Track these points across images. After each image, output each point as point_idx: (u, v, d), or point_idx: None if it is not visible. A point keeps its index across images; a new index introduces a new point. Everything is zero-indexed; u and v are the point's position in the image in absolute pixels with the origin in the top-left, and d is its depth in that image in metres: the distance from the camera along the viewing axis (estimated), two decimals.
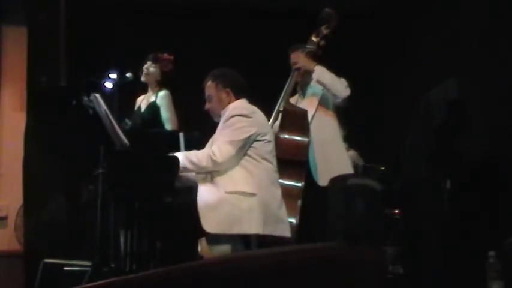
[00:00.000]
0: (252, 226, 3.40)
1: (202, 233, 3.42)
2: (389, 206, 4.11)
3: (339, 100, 4.30)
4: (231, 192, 3.45)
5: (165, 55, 4.93)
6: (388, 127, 5.50)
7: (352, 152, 5.35)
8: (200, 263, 2.02)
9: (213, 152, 3.49)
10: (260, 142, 3.55)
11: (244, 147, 3.51)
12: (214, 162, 3.48)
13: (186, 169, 3.52)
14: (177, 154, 3.55)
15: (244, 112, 3.57)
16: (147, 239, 3.70)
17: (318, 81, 4.30)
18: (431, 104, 4.30)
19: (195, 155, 3.53)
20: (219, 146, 3.50)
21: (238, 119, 3.54)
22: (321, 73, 4.28)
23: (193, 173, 3.63)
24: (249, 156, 3.53)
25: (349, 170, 4.30)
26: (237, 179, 3.49)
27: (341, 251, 1.69)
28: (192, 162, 3.50)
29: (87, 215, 4.78)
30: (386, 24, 5.72)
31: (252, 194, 3.44)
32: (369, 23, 5.76)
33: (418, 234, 4.10)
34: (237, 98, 3.68)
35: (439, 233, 4.00)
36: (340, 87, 4.27)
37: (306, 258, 1.62)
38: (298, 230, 3.79)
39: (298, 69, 4.35)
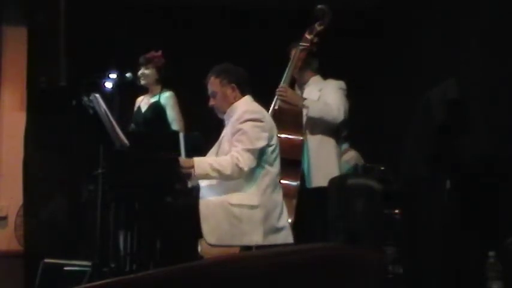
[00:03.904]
0: (253, 238, 3.38)
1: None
2: (389, 206, 4.10)
3: (335, 123, 4.29)
4: (235, 205, 3.41)
5: (152, 53, 4.94)
6: (388, 127, 5.50)
7: (352, 152, 5.35)
8: (200, 263, 2.02)
9: (238, 160, 3.38)
10: (269, 148, 3.50)
11: (259, 155, 3.47)
12: (241, 170, 3.38)
13: (207, 176, 3.44)
14: (196, 159, 3.46)
15: (257, 116, 3.49)
16: (147, 239, 3.70)
17: (310, 118, 4.26)
18: (431, 104, 4.30)
19: (218, 163, 3.41)
20: (240, 154, 3.40)
21: (252, 124, 3.46)
22: (310, 108, 4.25)
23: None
24: (257, 163, 3.46)
25: (336, 172, 4.30)
26: (243, 190, 3.45)
27: (341, 251, 1.69)
28: (215, 170, 3.39)
29: (87, 215, 4.79)
30: (387, 24, 5.72)
31: (255, 206, 3.42)
32: (369, 23, 5.76)
33: (418, 234, 4.10)
34: (242, 94, 3.64)
35: (439, 233, 4.00)
36: (333, 115, 4.24)
37: (306, 258, 1.62)
38: (293, 229, 3.78)
39: (284, 101, 4.31)
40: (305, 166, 4.26)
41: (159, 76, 4.94)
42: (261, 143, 3.46)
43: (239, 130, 3.46)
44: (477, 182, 3.87)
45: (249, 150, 3.41)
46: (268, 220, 3.44)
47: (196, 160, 3.45)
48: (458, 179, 3.96)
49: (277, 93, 4.31)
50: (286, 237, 3.51)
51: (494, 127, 4.05)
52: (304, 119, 4.28)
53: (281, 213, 3.52)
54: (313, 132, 4.32)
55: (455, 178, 3.96)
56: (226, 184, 3.48)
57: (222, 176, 3.42)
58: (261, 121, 3.50)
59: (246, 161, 3.39)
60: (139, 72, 4.91)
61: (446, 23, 4.75)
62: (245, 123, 3.47)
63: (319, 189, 4.19)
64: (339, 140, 4.46)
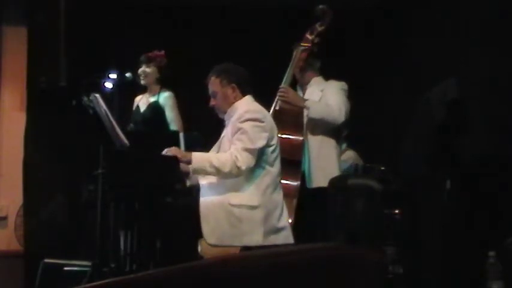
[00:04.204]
0: (253, 238, 3.39)
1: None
2: (389, 206, 4.10)
3: (336, 124, 4.29)
4: (235, 205, 3.42)
5: (155, 52, 4.94)
6: (388, 127, 5.49)
7: (351, 152, 5.35)
8: (200, 263, 2.02)
9: (236, 158, 3.38)
10: (269, 148, 3.51)
11: (259, 155, 3.47)
12: (239, 169, 3.38)
13: (204, 171, 3.44)
14: (194, 153, 3.46)
15: (257, 116, 3.50)
16: (147, 239, 3.70)
17: (311, 119, 4.27)
18: (431, 104, 4.30)
19: (217, 159, 3.42)
20: (239, 152, 3.40)
21: (252, 124, 3.46)
22: (311, 109, 4.25)
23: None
24: (258, 164, 3.47)
25: (336, 172, 4.30)
26: (243, 190, 3.45)
27: (341, 251, 1.69)
28: (213, 166, 3.39)
29: (87, 215, 4.79)
30: (387, 24, 5.72)
31: (255, 207, 3.43)
32: (369, 23, 5.76)
33: (418, 234, 4.10)
34: (243, 94, 3.64)
35: (439, 232, 4.01)
36: (333, 116, 4.23)
37: (306, 258, 1.62)
38: (293, 229, 3.79)
39: (285, 102, 4.32)
40: (306, 166, 4.27)
41: (160, 75, 4.93)
42: (261, 143, 3.46)
43: (239, 129, 3.47)
44: (477, 182, 3.87)
45: (248, 150, 3.41)
46: (269, 220, 3.44)
47: (195, 154, 3.45)
48: (458, 179, 3.96)
49: (278, 94, 4.31)
50: (286, 237, 3.51)
51: (494, 127, 4.05)
52: (305, 119, 4.29)
53: (281, 213, 3.53)
54: (314, 133, 4.32)
55: (455, 178, 3.96)
56: (226, 184, 3.48)
57: (219, 173, 3.42)
58: (262, 121, 3.50)
59: (245, 160, 3.39)
60: (140, 70, 4.90)
61: (446, 23, 4.75)
62: (245, 123, 3.47)
63: (320, 190, 4.19)
64: (339, 141, 4.46)
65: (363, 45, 5.70)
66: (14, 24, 5.94)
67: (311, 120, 4.28)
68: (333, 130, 4.36)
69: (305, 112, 4.28)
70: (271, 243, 3.41)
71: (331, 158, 4.34)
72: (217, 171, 3.41)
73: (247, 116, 3.49)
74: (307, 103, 4.27)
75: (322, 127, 4.32)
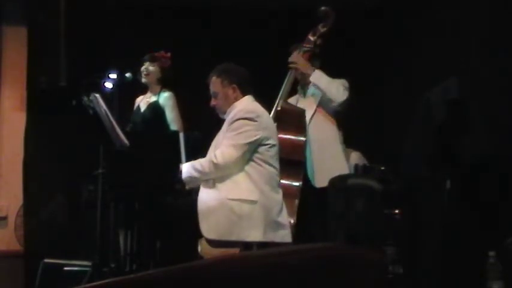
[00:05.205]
0: (252, 233, 3.40)
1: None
2: (389, 206, 4.10)
3: (335, 104, 4.30)
4: (234, 199, 3.43)
5: (162, 53, 4.94)
6: (388, 127, 5.49)
7: (355, 154, 5.34)
8: (200, 263, 2.02)
9: (214, 156, 3.48)
10: (264, 147, 3.53)
11: (248, 151, 3.49)
12: (216, 166, 3.45)
13: (193, 178, 3.53)
14: (184, 165, 3.56)
15: (249, 116, 3.53)
16: (147, 239, 3.70)
17: (314, 85, 4.31)
18: (431, 104, 4.30)
19: (199, 163, 3.53)
20: (222, 149, 3.49)
21: (243, 122, 3.51)
22: (317, 77, 4.29)
23: None
24: (253, 161, 3.51)
25: (345, 172, 4.31)
26: (240, 185, 3.47)
27: (341, 251, 1.69)
28: (197, 170, 3.50)
29: (87, 215, 4.79)
30: (387, 24, 5.72)
31: (254, 201, 3.44)
32: (369, 23, 5.76)
33: (418, 234, 4.10)
34: (244, 94, 3.66)
35: (439, 232, 4.00)
36: (336, 92, 4.27)
37: (306, 258, 1.62)
38: (295, 230, 3.79)
39: (296, 69, 4.36)
40: (308, 166, 4.26)
41: (162, 76, 4.93)
42: (247, 141, 3.48)
43: (230, 128, 3.53)
44: (477, 182, 3.87)
45: (232, 146, 3.47)
46: (268, 216, 3.45)
47: (183, 165, 3.56)
48: (458, 179, 3.96)
49: (289, 63, 4.33)
50: (285, 236, 3.51)
51: (494, 127, 4.05)
52: (307, 120, 4.29)
53: (280, 210, 3.54)
54: (316, 133, 4.32)
55: (455, 178, 3.96)
56: (224, 180, 3.50)
57: (204, 175, 3.51)
58: (254, 120, 3.53)
59: (225, 155, 3.46)
60: (143, 68, 4.89)
61: (447, 23, 4.75)
62: (236, 122, 3.52)
63: (324, 190, 4.19)
64: (342, 140, 4.47)
65: (363, 45, 5.69)
66: (14, 24, 5.93)
67: (313, 85, 4.30)
68: (335, 129, 4.37)
69: (310, 79, 4.25)
70: (270, 240, 3.42)
71: (334, 158, 4.34)
72: (202, 174, 3.51)
73: (240, 115, 3.54)
74: (315, 72, 4.29)
75: (325, 126, 4.33)
